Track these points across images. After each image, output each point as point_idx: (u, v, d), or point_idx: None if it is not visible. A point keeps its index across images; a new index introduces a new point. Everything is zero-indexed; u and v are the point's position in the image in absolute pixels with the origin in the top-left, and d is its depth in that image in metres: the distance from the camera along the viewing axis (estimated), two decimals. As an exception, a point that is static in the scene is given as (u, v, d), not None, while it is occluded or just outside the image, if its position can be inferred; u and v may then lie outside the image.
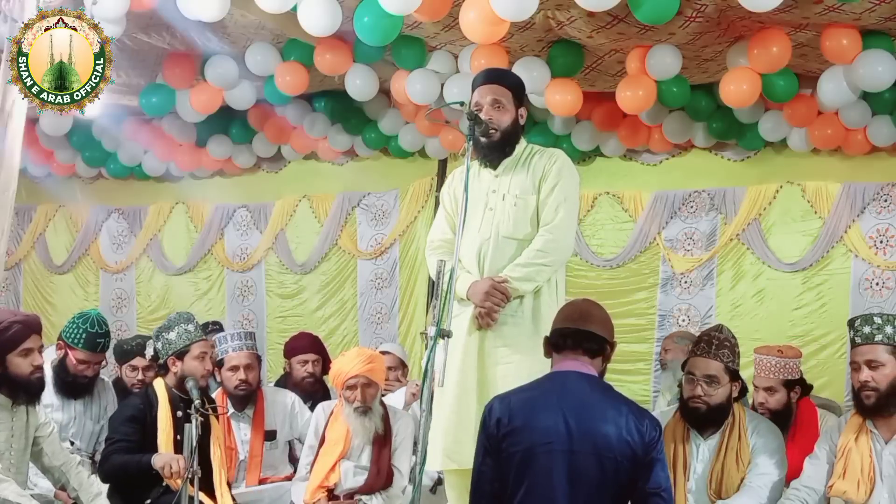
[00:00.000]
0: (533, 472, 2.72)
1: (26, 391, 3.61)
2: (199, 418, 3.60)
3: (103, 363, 4.77)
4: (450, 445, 3.40)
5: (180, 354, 4.15)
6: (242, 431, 4.61)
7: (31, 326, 3.64)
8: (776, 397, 4.16)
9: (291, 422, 4.75)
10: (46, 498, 4.06)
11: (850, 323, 3.51)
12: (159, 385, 4.18)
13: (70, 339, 4.49)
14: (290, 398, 4.82)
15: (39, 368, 3.62)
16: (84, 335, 4.48)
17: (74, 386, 4.56)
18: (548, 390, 2.82)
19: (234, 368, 4.55)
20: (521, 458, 2.74)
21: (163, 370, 4.23)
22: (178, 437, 4.05)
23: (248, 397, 4.62)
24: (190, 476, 3.42)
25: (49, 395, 4.43)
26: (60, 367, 4.54)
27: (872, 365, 3.36)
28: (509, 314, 3.44)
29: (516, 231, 3.51)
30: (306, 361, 5.25)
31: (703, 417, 3.58)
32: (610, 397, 2.82)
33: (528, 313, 3.48)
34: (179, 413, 4.07)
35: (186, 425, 3.54)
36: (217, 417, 4.17)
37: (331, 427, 4.34)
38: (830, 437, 3.56)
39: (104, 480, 3.93)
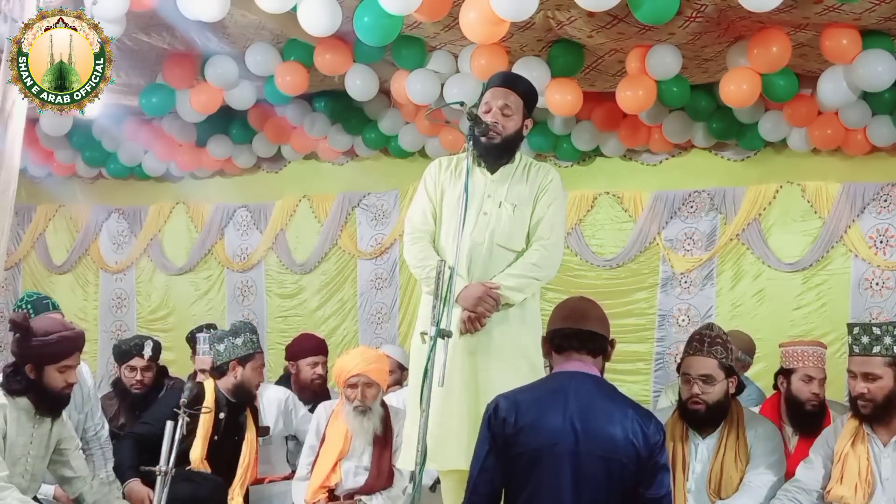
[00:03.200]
0: (539, 474, 2.71)
1: (52, 404, 3.62)
2: (187, 418, 3.60)
3: (71, 324, 4.71)
4: (431, 446, 3.37)
5: (243, 360, 4.26)
6: None
7: (78, 345, 3.67)
8: (823, 388, 4.17)
9: (286, 418, 4.76)
10: (46, 499, 4.06)
11: (850, 329, 3.48)
12: (209, 385, 4.27)
13: None
14: (283, 394, 4.83)
15: (70, 386, 3.65)
16: (30, 305, 4.51)
17: None
18: (554, 390, 2.80)
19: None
20: (527, 459, 2.73)
21: (217, 373, 4.34)
22: (216, 437, 4.22)
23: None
24: (164, 474, 3.41)
25: None
26: None
27: (869, 377, 3.36)
28: (496, 321, 3.41)
29: (511, 242, 3.48)
30: (316, 363, 5.28)
31: (703, 417, 3.57)
32: (616, 399, 2.80)
33: (515, 321, 3.46)
34: (222, 415, 4.25)
35: (168, 423, 3.54)
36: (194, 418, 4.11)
37: (331, 426, 4.34)
38: (826, 441, 3.55)
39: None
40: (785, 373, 4.27)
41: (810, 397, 4.14)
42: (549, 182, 3.55)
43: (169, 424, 3.52)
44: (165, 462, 3.43)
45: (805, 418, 4.09)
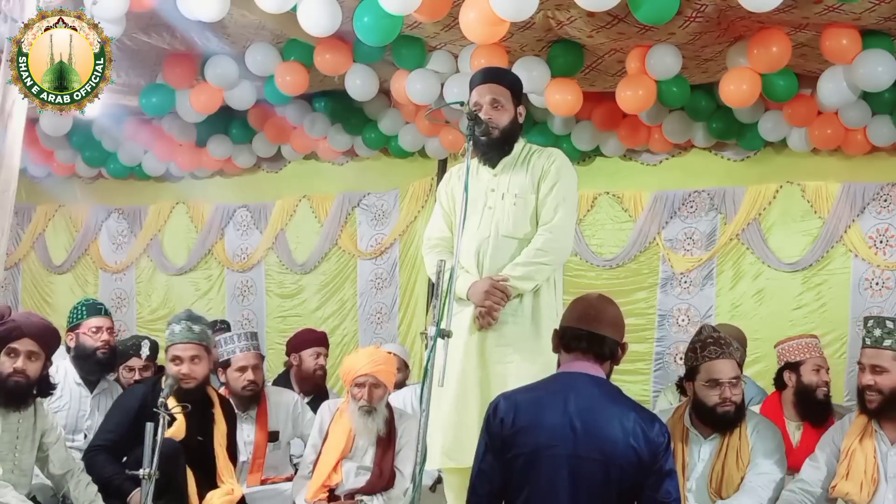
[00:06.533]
0: (536, 475, 2.69)
1: (2, 392, 3.56)
2: (167, 417, 3.57)
3: (116, 332, 4.86)
4: (449, 444, 3.40)
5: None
6: (245, 432, 4.60)
7: (27, 331, 3.59)
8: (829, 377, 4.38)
9: (294, 422, 4.76)
10: (44, 483, 4.03)
11: (865, 322, 3.53)
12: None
13: (75, 320, 4.63)
14: (293, 398, 4.83)
15: (18, 373, 3.55)
16: (84, 308, 4.66)
17: (98, 363, 4.58)
18: (555, 391, 2.77)
19: (242, 369, 4.57)
20: (525, 461, 2.70)
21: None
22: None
23: (253, 398, 4.63)
24: (147, 476, 3.38)
25: (69, 387, 4.51)
26: (78, 351, 4.58)
27: (877, 370, 3.39)
28: (509, 314, 3.45)
29: (516, 230, 3.52)
30: (318, 354, 5.34)
31: (732, 419, 3.55)
32: (618, 402, 2.76)
33: (529, 313, 3.48)
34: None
35: (148, 424, 3.49)
36: (185, 416, 4.00)
37: (335, 425, 4.33)
38: (833, 439, 3.56)
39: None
40: (792, 367, 4.33)
41: (821, 384, 4.27)
42: (550, 165, 3.56)
43: (149, 426, 3.46)
44: (149, 464, 3.38)
45: (817, 408, 4.22)
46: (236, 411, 4.56)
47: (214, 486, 4.07)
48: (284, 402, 4.76)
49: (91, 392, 4.61)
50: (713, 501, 3.52)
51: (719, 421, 3.57)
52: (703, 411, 3.59)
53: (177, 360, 4.10)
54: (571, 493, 2.65)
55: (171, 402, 3.67)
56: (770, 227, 6.23)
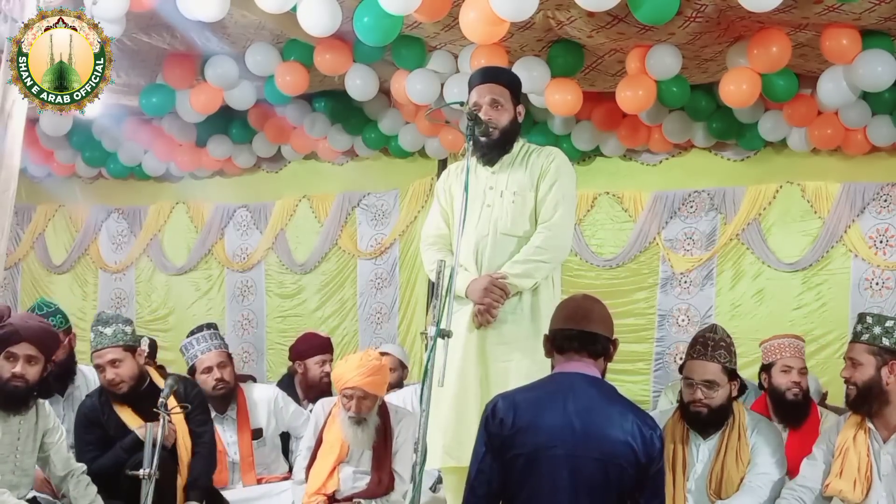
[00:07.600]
0: (536, 476, 2.69)
1: (1, 396, 3.53)
2: (167, 418, 3.56)
3: (73, 333, 4.68)
4: (449, 443, 3.40)
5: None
6: (228, 433, 4.56)
7: (24, 334, 3.55)
8: (805, 378, 4.34)
9: (277, 416, 4.72)
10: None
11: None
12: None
13: None
14: (273, 392, 4.79)
15: (17, 377, 3.51)
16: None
17: (57, 377, 4.42)
18: (553, 392, 2.77)
19: (208, 370, 4.49)
20: (524, 461, 2.70)
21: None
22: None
23: (228, 396, 4.56)
24: (146, 476, 3.36)
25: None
26: None
27: (854, 363, 3.45)
28: (508, 312, 3.45)
29: (515, 228, 3.52)
30: (324, 362, 5.28)
31: (705, 421, 3.57)
32: (615, 402, 2.77)
33: (528, 311, 3.48)
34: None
35: (149, 424, 3.49)
36: (185, 417, 4.01)
37: (329, 428, 4.29)
38: (829, 437, 3.57)
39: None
40: (766, 368, 4.39)
41: (791, 386, 4.25)
42: (549, 163, 3.56)
43: (150, 426, 3.48)
44: (149, 464, 3.37)
45: (789, 409, 4.20)
46: (215, 413, 4.49)
47: None
48: (264, 398, 4.71)
49: (62, 395, 4.54)
50: (712, 502, 3.52)
51: (693, 420, 3.60)
52: (681, 407, 3.66)
53: (99, 368, 3.99)
54: (571, 493, 2.65)
55: (172, 402, 3.66)
56: (770, 227, 6.23)
